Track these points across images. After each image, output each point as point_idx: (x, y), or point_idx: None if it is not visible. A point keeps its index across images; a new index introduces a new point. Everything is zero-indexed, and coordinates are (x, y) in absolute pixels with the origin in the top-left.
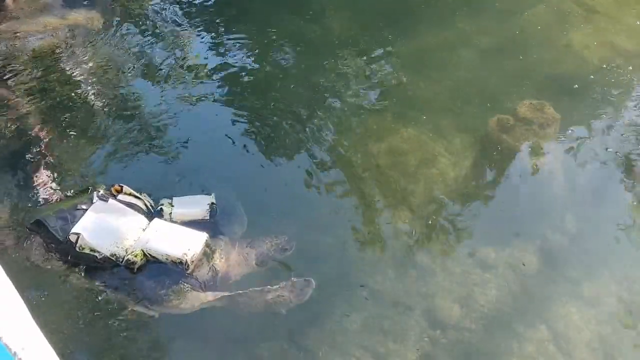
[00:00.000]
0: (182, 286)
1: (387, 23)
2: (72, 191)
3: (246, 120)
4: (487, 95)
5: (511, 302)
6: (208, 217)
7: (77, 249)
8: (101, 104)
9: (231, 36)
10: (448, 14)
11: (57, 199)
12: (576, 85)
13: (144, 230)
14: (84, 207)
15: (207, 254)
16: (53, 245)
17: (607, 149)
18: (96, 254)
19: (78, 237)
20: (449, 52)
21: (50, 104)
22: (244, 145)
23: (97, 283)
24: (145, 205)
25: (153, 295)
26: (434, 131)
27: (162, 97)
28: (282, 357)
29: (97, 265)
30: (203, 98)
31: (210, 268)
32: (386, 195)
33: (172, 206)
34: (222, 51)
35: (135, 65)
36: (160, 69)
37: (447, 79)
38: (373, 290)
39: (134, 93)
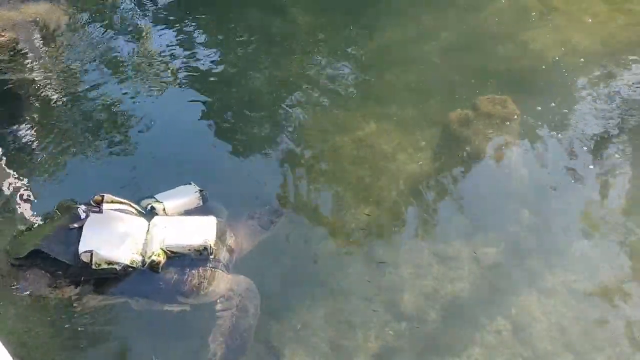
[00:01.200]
0: (210, 271)
1: (350, 18)
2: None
3: (210, 114)
4: (449, 89)
5: (473, 294)
6: (201, 204)
7: (94, 267)
8: (61, 101)
9: (195, 30)
10: (410, 9)
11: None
12: (535, 80)
13: (147, 231)
14: (75, 225)
15: (219, 235)
16: (60, 272)
17: (564, 144)
18: (115, 266)
19: (92, 255)
20: (411, 47)
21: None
22: (208, 138)
23: (117, 296)
24: (134, 208)
25: (186, 289)
26: (396, 125)
27: (124, 91)
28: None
29: (106, 279)
30: (166, 92)
31: (226, 248)
32: (349, 189)
33: (161, 202)
34: (185, 44)
35: (97, 59)
36: (123, 63)
37: (409, 74)
38: (337, 285)
39: (95, 88)
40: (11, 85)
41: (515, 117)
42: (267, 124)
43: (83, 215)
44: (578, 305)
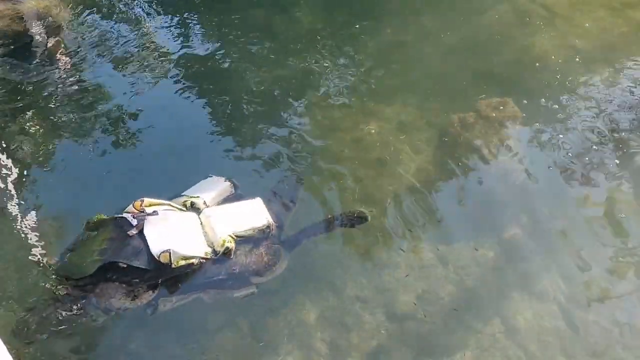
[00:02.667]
0: (275, 247)
1: (353, 18)
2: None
3: (210, 111)
4: (450, 91)
5: (468, 296)
6: (233, 191)
7: (173, 265)
8: (62, 94)
9: (197, 25)
10: (413, 11)
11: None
12: (536, 84)
13: (201, 224)
14: (133, 231)
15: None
16: (137, 280)
17: (564, 148)
18: (192, 260)
19: (169, 254)
20: (413, 48)
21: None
22: (208, 135)
23: (190, 293)
24: (174, 206)
25: (260, 267)
26: (397, 126)
27: (125, 86)
28: (240, 349)
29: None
30: (167, 88)
31: (270, 225)
32: (348, 189)
33: (198, 196)
34: (187, 40)
35: (98, 52)
36: (124, 57)
37: (410, 75)
38: (332, 284)
39: (95, 82)
40: (14, 77)
41: (516, 120)
42: (267, 122)
43: (135, 222)
44: (573, 310)
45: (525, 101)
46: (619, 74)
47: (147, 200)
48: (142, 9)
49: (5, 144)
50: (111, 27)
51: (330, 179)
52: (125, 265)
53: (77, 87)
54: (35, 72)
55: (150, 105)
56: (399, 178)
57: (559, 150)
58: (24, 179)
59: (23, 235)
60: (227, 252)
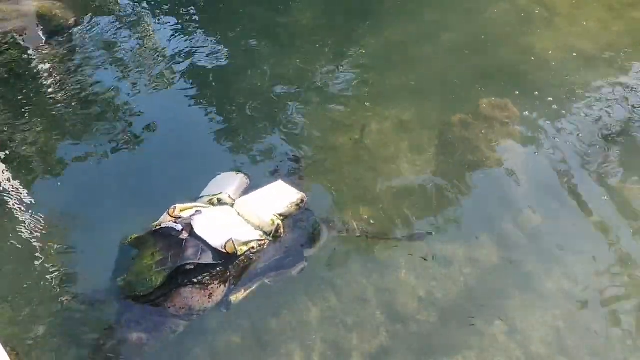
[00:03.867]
0: (311, 218)
1: (355, 17)
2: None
3: (211, 111)
4: (450, 91)
5: (470, 296)
6: (249, 182)
7: (238, 253)
8: (62, 95)
9: (198, 26)
10: (413, 10)
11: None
12: (537, 84)
13: (239, 213)
14: (185, 234)
15: None
16: (208, 277)
17: (564, 148)
18: (252, 244)
19: (233, 242)
20: (413, 48)
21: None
22: (209, 135)
23: (255, 281)
24: (202, 206)
25: (307, 239)
26: (397, 126)
27: (125, 87)
28: (242, 349)
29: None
30: (168, 88)
31: (303, 198)
32: (349, 189)
33: (220, 193)
34: (188, 41)
35: (99, 53)
36: (124, 58)
37: (410, 75)
38: (333, 284)
39: (96, 83)
40: (12, 76)
41: (516, 120)
42: (267, 122)
43: (180, 227)
44: (575, 311)
45: (525, 101)
46: (620, 74)
47: (178, 206)
48: (143, 10)
49: (9, 145)
50: (113, 29)
51: (331, 178)
52: (193, 266)
53: (79, 89)
54: (38, 75)
55: (152, 107)
56: (399, 178)
57: (560, 150)
58: (27, 180)
59: (24, 234)
60: (278, 231)
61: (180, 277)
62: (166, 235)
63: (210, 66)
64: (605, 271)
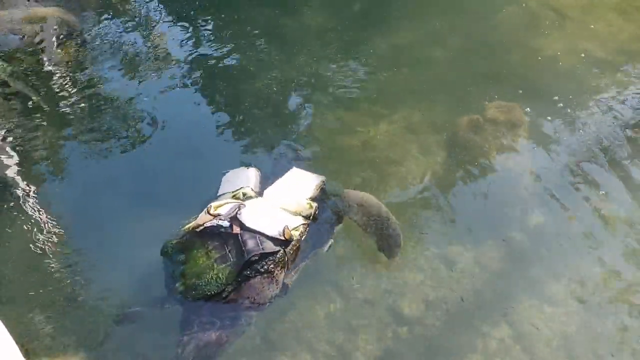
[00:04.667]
0: (332, 198)
1: (363, 20)
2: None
3: (218, 112)
4: (457, 94)
5: (476, 299)
6: (260, 174)
7: (294, 238)
8: (72, 97)
9: (205, 27)
10: (421, 13)
11: None
12: (544, 89)
13: (273, 203)
14: (238, 229)
15: None
16: (272, 265)
17: (572, 152)
18: (300, 228)
19: (289, 230)
20: (421, 51)
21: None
22: (216, 136)
23: (300, 264)
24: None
25: (335, 217)
26: (405, 129)
27: (133, 88)
28: (248, 350)
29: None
30: (175, 89)
31: (324, 180)
32: (355, 190)
33: (242, 187)
34: (195, 42)
35: (108, 56)
36: (133, 59)
37: (419, 77)
38: (339, 286)
39: (104, 84)
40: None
41: (524, 124)
42: (275, 123)
43: (227, 224)
44: (582, 315)
45: (533, 104)
46: (630, 77)
47: (213, 204)
48: (150, 12)
49: (17, 146)
50: (123, 31)
51: (338, 180)
52: (257, 257)
53: (89, 91)
54: (45, 77)
55: (161, 107)
56: (406, 180)
57: (568, 153)
58: (37, 180)
59: (34, 235)
60: (316, 213)
61: (248, 270)
62: (214, 234)
63: (218, 67)
64: (614, 274)
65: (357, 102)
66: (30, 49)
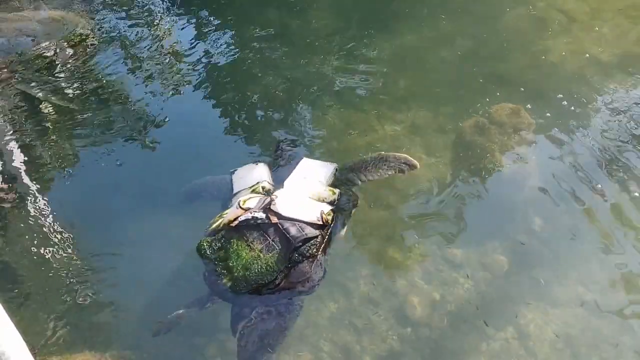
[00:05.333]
0: (343, 182)
1: (369, 21)
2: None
3: (225, 112)
4: (464, 96)
5: (480, 301)
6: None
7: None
8: (79, 96)
9: (213, 29)
10: (428, 15)
11: None
12: (551, 91)
13: (296, 193)
14: (275, 219)
15: None
16: (315, 250)
17: (578, 154)
18: (331, 213)
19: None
20: (428, 52)
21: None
22: (223, 136)
23: (331, 245)
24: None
25: (352, 200)
26: (411, 130)
27: (140, 88)
28: None
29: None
30: (183, 89)
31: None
32: (360, 191)
33: (259, 182)
34: (203, 44)
35: (114, 56)
36: (140, 60)
37: (425, 79)
38: (344, 286)
39: (112, 85)
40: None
41: (530, 126)
42: (281, 124)
43: (262, 215)
44: (586, 318)
45: (540, 106)
46: (637, 80)
47: (242, 199)
48: (160, 13)
49: (26, 147)
50: (130, 32)
51: None
52: (300, 243)
53: (97, 91)
54: (53, 78)
55: (168, 107)
56: (411, 181)
57: (574, 156)
58: (45, 181)
59: (42, 236)
60: (339, 199)
61: (295, 255)
62: (251, 226)
63: (225, 67)
64: (619, 278)
65: (363, 102)
66: (42, 51)
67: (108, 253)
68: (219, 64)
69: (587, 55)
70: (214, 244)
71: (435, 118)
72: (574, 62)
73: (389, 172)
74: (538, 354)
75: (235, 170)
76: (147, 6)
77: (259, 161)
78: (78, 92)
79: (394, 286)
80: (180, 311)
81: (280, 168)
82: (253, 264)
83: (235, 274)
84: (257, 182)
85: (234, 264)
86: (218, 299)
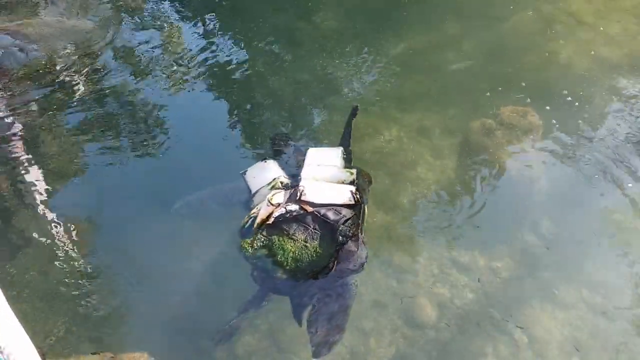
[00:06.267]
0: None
1: (377, 24)
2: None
3: (231, 113)
4: (471, 98)
5: (488, 304)
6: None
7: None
8: (87, 99)
9: (220, 31)
10: (437, 17)
11: None
12: (559, 93)
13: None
14: (309, 207)
15: None
16: (354, 228)
17: (586, 156)
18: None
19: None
20: (436, 54)
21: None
22: (229, 137)
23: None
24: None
25: (367, 180)
26: (418, 132)
27: (149, 90)
28: (260, 352)
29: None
30: (190, 90)
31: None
32: (370, 194)
33: (276, 177)
34: (210, 45)
35: (123, 58)
36: (148, 61)
37: (432, 81)
38: None
39: (119, 85)
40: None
41: (538, 128)
42: (287, 125)
43: (296, 207)
44: (594, 321)
45: (547, 109)
46: None
47: (269, 197)
48: (167, 15)
49: (34, 147)
50: (136, 37)
51: None
52: (342, 225)
53: (104, 92)
54: (65, 81)
55: (175, 109)
56: (419, 183)
57: (582, 158)
58: (52, 181)
59: (50, 236)
60: (357, 178)
61: (339, 237)
62: (287, 219)
63: (232, 69)
64: (627, 281)
65: (370, 105)
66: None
67: (115, 255)
68: (226, 66)
69: (595, 56)
70: (255, 243)
71: (443, 120)
72: (582, 63)
73: None
74: (546, 358)
75: (245, 171)
76: (155, 10)
77: (266, 158)
78: (85, 95)
79: (400, 289)
80: (238, 317)
81: (285, 162)
82: (302, 254)
83: (288, 267)
84: (274, 178)
85: (283, 258)
86: (272, 296)
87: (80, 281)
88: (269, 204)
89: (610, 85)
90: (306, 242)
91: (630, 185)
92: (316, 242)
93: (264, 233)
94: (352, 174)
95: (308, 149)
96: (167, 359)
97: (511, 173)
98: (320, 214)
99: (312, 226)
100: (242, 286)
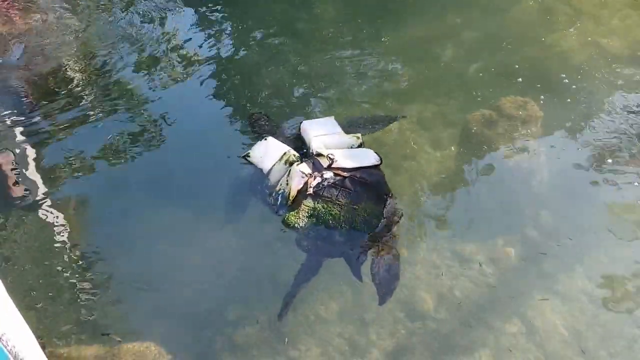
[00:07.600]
0: None
1: (376, 14)
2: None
3: (232, 106)
4: (471, 89)
5: (488, 295)
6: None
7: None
8: (88, 91)
9: (219, 22)
10: (437, 7)
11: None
12: (559, 84)
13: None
14: (344, 173)
15: None
16: (386, 188)
17: (587, 147)
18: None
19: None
20: (435, 45)
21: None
22: (229, 130)
23: None
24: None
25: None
26: (418, 123)
27: (147, 81)
28: (261, 343)
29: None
30: (190, 82)
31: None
32: None
33: (285, 153)
34: (209, 38)
35: (122, 49)
36: (148, 54)
37: (432, 72)
38: (352, 280)
39: (117, 77)
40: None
41: (538, 119)
42: (288, 118)
43: (331, 174)
44: (595, 312)
45: (548, 100)
46: None
47: (298, 169)
48: (166, 7)
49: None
50: (136, 30)
51: None
52: (380, 184)
53: (106, 87)
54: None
55: (173, 103)
56: (419, 175)
57: (583, 149)
58: (53, 177)
59: (51, 231)
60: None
61: (381, 196)
62: (324, 186)
63: (232, 62)
64: (628, 272)
65: (370, 96)
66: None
67: (118, 247)
68: (226, 58)
69: (596, 47)
70: (301, 214)
71: (443, 111)
72: (583, 54)
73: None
74: (546, 349)
75: (247, 153)
76: (154, 2)
77: (265, 137)
78: (86, 90)
79: (402, 280)
80: (298, 288)
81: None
82: (352, 216)
83: (343, 230)
84: (284, 152)
85: (335, 223)
86: (328, 260)
87: (82, 272)
88: (303, 175)
89: (611, 75)
90: (352, 204)
91: (631, 175)
92: (362, 204)
93: (307, 203)
94: (358, 138)
95: (301, 122)
96: (167, 350)
97: (511, 164)
98: (357, 177)
99: (353, 189)
100: (243, 276)
